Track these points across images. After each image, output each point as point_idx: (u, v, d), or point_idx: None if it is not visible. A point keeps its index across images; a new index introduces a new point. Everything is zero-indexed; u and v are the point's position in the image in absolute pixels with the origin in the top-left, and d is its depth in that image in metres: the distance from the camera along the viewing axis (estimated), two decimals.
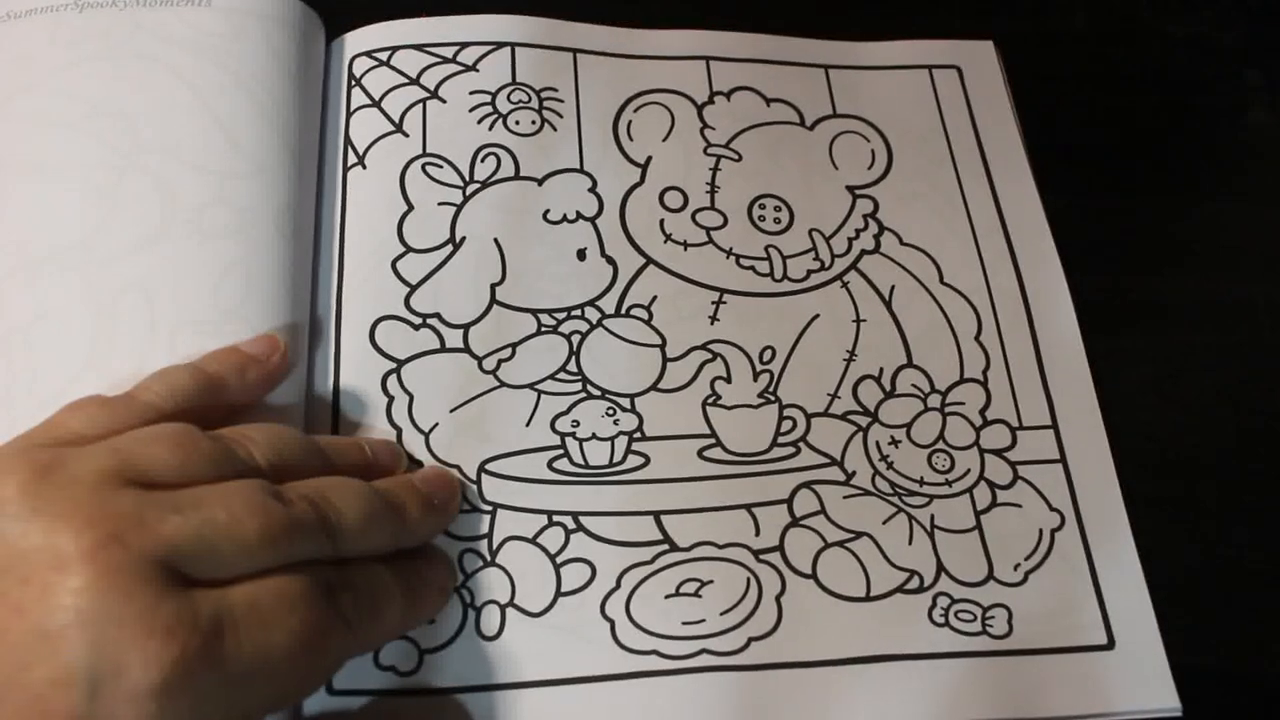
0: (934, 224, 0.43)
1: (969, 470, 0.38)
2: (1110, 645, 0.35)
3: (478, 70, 0.43)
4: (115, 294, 0.35)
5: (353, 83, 0.42)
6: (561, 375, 0.38)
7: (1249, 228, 0.45)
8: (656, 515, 0.36)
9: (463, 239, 0.40)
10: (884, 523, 0.37)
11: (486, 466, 0.36)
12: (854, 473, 0.38)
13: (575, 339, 0.39)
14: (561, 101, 0.43)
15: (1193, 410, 0.41)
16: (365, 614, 0.29)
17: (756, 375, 0.39)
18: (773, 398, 0.38)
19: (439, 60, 0.43)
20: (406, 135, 0.41)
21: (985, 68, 0.47)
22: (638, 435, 0.37)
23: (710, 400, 0.38)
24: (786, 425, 0.38)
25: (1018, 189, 0.44)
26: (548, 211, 0.41)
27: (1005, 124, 0.45)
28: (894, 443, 0.38)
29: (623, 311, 0.39)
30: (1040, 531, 0.37)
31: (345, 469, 0.32)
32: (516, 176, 0.41)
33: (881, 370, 0.39)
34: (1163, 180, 0.46)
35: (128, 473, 0.27)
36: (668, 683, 0.34)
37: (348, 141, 0.41)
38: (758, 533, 0.36)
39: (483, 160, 0.41)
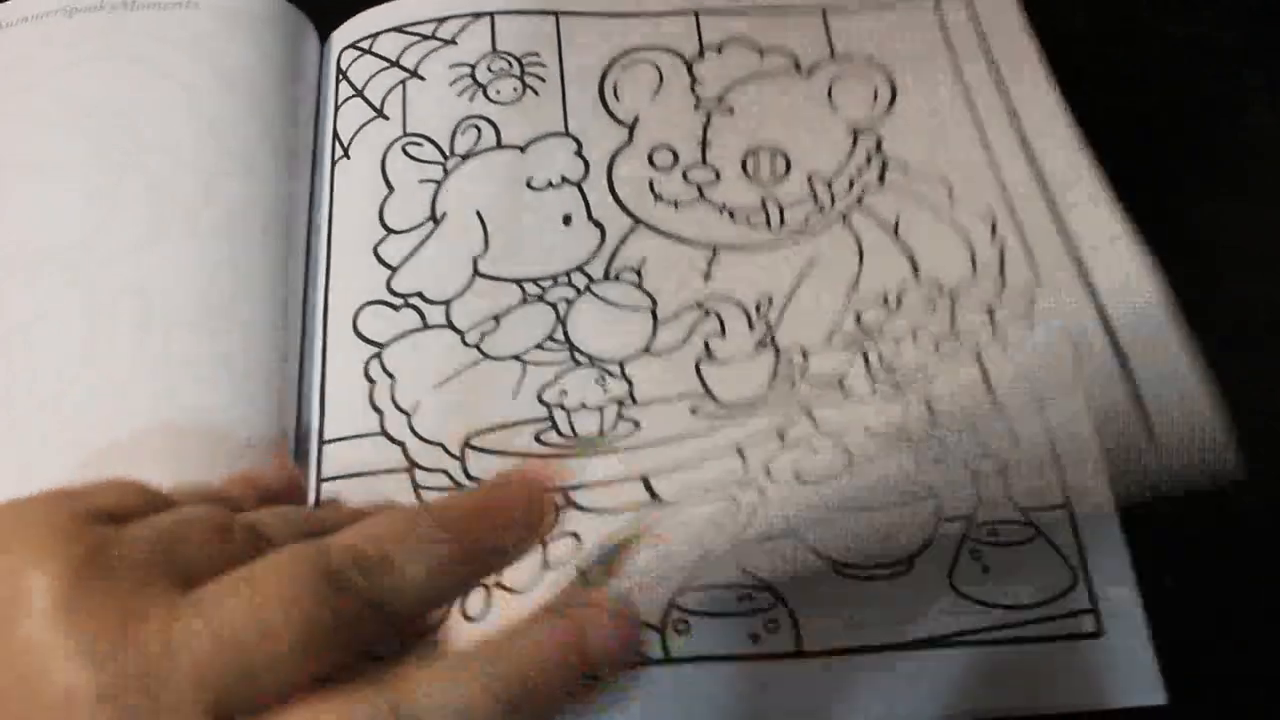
0: (944, 151, 0.42)
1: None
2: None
3: (456, 43, 0.42)
4: (111, 293, 0.35)
5: (340, 76, 0.42)
6: (548, 344, 0.37)
7: (1249, 228, 0.45)
8: (646, 480, 0.35)
9: (443, 215, 0.39)
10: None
11: (471, 442, 0.35)
12: (852, 389, 0.37)
13: (562, 306, 0.38)
14: (544, 66, 0.42)
15: None
16: None
17: (752, 325, 0.38)
18: (769, 344, 0.38)
19: (419, 38, 0.42)
20: (387, 118, 0.41)
21: None
22: (627, 402, 0.36)
23: (703, 360, 0.37)
24: (784, 368, 0.37)
25: (1035, 95, 0.43)
26: (531, 179, 0.40)
27: (1019, 39, 0.45)
28: (897, 341, 0.38)
29: (611, 276, 0.38)
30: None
31: None
32: (498, 146, 0.40)
33: (886, 295, 0.39)
34: (1163, 180, 0.46)
35: (171, 566, 0.23)
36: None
37: (335, 135, 0.41)
38: (745, 467, 0.35)
39: (463, 133, 0.41)
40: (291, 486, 0.31)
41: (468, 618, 0.33)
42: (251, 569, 0.23)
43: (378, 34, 0.43)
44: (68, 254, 0.36)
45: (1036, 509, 0.37)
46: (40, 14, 0.40)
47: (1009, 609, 0.35)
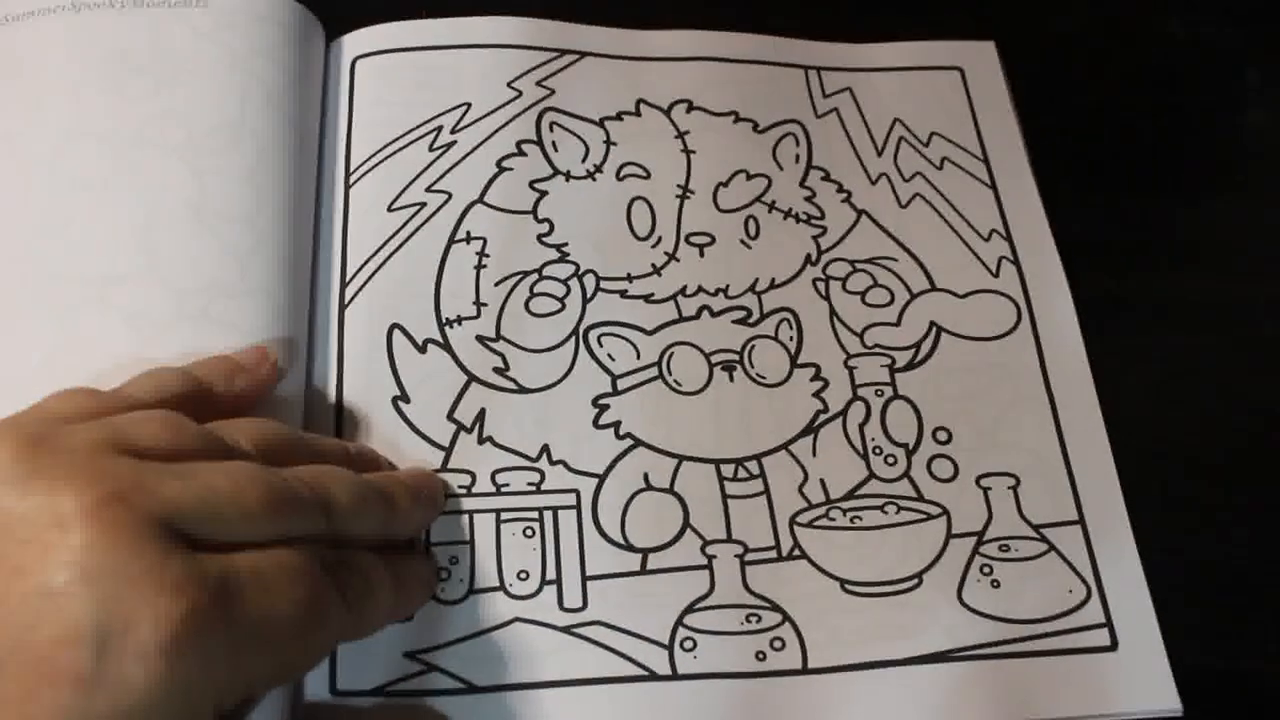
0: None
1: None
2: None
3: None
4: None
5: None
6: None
7: (1249, 228, 0.45)
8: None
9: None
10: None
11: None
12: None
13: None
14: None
15: (1193, 410, 0.41)
16: (362, 594, 0.29)
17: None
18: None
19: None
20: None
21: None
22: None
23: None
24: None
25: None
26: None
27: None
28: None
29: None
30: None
31: (330, 462, 0.32)
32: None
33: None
34: (1163, 180, 0.46)
35: (122, 444, 0.26)
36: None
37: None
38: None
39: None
40: (260, 361, 0.34)
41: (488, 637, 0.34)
42: (216, 462, 0.27)
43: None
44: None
45: (1049, 525, 0.37)
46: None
47: (1020, 623, 0.35)
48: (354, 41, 0.43)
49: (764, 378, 0.39)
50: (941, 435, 0.39)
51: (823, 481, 0.38)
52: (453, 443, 0.37)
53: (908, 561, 0.36)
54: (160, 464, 0.26)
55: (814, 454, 0.38)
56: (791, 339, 0.40)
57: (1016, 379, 0.40)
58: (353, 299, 0.38)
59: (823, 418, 0.39)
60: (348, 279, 0.39)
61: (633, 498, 0.36)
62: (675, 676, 0.34)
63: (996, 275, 0.42)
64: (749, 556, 0.36)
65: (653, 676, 0.34)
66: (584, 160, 0.42)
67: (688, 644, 0.34)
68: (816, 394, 0.39)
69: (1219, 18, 0.50)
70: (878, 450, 0.38)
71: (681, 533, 0.36)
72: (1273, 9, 0.50)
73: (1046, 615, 0.36)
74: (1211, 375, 0.42)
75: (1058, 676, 0.35)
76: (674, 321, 0.40)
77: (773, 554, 0.36)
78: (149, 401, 0.30)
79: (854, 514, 0.37)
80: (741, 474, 0.37)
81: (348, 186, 0.40)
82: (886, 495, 0.37)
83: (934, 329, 0.41)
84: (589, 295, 0.40)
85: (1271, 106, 0.48)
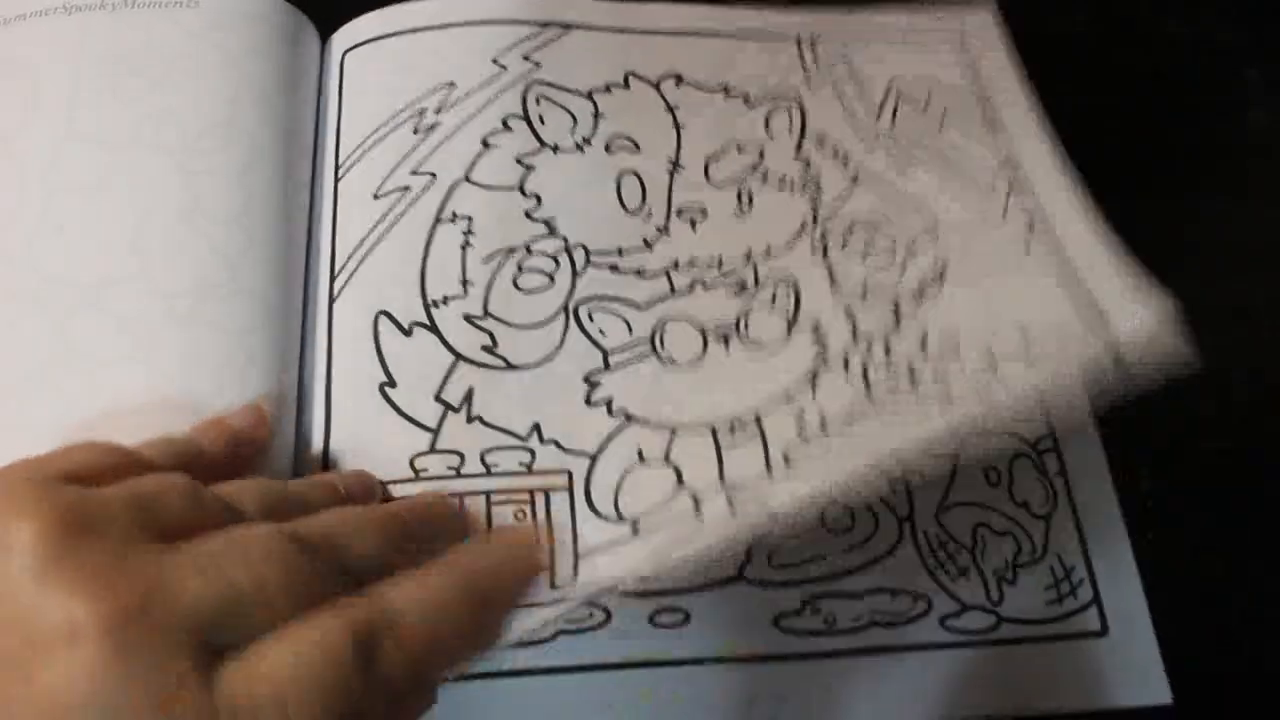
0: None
1: None
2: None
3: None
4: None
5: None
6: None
7: (1249, 228, 0.45)
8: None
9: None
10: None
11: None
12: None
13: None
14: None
15: (1192, 409, 0.41)
16: (421, 655, 0.26)
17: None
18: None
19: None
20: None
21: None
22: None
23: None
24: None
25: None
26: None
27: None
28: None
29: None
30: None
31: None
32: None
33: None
34: (1163, 180, 0.46)
35: (149, 521, 0.25)
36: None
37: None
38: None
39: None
40: (258, 425, 0.33)
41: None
42: (233, 529, 0.26)
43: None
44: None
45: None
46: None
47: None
48: (343, 36, 0.43)
49: (761, 345, 0.38)
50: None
51: (822, 417, 0.36)
52: (440, 423, 0.36)
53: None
54: (184, 555, 0.25)
55: (813, 399, 0.37)
56: (788, 305, 0.39)
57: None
58: (340, 291, 0.38)
59: (823, 372, 0.38)
60: (336, 272, 0.38)
61: (626, 474, 0.36)
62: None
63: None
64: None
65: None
66: (572, 132, 0.41)
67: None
68: (816, 356, 0.38)
69: (1219, 18, 0.50)
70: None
71: (675, 497, 0.35)
72: (1273, 9, 0.50)
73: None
74: (1211, 375, 0.41)
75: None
76: (667, 296, 0.39)
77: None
78: (167, 468, 0.29)
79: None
80: (739, 435, 0.37)
81: (337, 180, 0.40)
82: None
83: (935, 283, 0.40)
84: (579, 270, 0.39)
85: (1271, 106, 0.48)
